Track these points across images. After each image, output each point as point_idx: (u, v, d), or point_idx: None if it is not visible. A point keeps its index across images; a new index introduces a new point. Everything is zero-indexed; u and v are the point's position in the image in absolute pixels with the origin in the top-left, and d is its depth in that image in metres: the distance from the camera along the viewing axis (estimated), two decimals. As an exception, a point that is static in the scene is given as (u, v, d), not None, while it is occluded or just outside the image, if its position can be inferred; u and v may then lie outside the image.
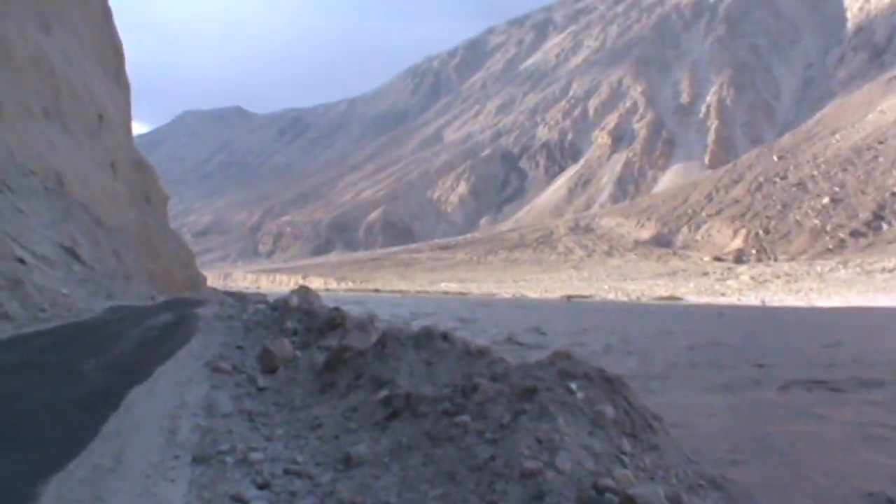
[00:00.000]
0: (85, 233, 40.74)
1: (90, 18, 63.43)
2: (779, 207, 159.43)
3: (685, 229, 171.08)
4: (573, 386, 7.97)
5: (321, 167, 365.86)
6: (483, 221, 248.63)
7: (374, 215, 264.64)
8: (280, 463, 7.93)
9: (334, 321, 16.63)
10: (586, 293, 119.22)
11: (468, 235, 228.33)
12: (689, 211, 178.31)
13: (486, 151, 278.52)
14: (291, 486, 7.40)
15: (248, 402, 10.92)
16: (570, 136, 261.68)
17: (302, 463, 7.97)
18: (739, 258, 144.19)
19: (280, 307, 23.35)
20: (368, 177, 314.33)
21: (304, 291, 29.63)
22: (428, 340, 10.88)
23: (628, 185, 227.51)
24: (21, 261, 23.29)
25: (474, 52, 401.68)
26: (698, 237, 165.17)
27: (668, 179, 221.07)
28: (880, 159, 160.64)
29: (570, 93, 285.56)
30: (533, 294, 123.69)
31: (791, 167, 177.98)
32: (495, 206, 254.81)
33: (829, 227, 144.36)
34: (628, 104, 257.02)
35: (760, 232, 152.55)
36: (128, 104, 71.72)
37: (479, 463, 7.00)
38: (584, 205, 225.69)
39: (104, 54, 66.52)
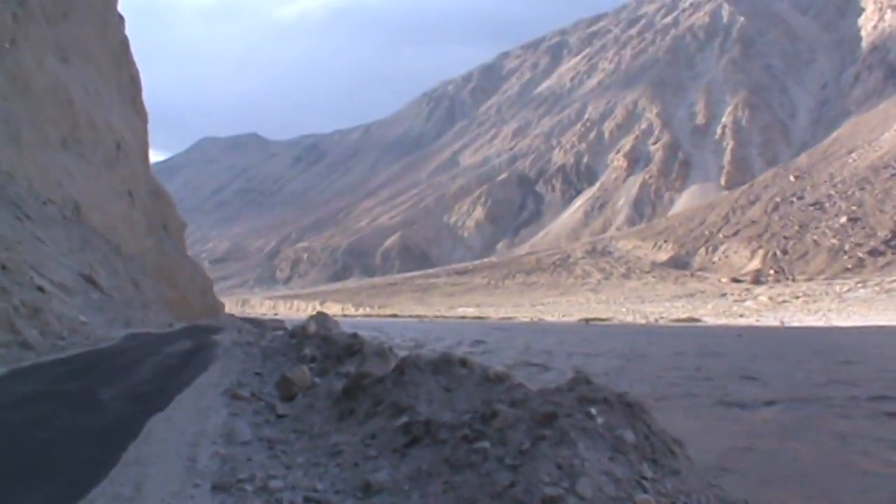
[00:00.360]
0: (103, 261, 40.91)
1: (108, 49, 63.90)
2: (796, 227, 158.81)
3: (702, 251, 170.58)
4: (593, 411, 7.93)
5: (338, 193, 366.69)
6: (500, 245, 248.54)
7: (391, 241, 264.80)
8: (300, 491, 7.91)
9: (352, 347, 16.61)
10: (604, 316, 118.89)
11: (485, 260, 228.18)
12: (706, 232, 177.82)
13: (503, 175, 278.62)
14: (312, 514, 7.38)
15: (267, 430, 10.91)
16: (585, 159, 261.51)
17: (322, 491, 7.95)
18: (757, 279, 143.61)
19: (298, 334, 23.35)
20: (385, 202, 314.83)
21: (321, 318, 29.69)
22: (447, 366, 10.85)
23: (645, 208, 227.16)
24: (40, 289, 23.39)
25: (489, 77, 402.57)
26: (716, 258, 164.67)
27: (684, 201, 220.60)
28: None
29: (586, 116, 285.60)
30: (551, 317, 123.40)
31: (808, 187, 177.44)
32: (512, 230, 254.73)
33: (847, 247, 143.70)
34: (644, 126, 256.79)
35: (778, 252, 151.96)
36: (145, 132, 72.14)
37: (500, 489, 6.96)
38: (601, 228, 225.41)
39: (121, 83, 66.97)
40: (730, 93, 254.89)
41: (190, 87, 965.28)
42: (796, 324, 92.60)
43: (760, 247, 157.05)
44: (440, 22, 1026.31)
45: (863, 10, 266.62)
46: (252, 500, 7.61)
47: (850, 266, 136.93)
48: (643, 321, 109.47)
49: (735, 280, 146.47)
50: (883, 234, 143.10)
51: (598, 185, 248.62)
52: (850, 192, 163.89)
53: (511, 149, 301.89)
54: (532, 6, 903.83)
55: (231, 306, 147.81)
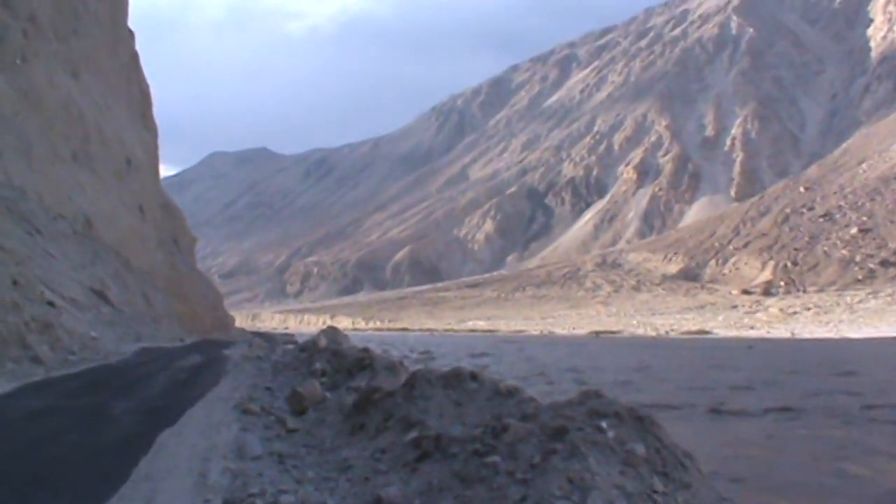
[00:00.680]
0: (114, 275, 40.99)
1: (118, 64, 64.18)
2: (806, 239, 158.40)
3: (713, 263, 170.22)
4: (604, 424, 7.92)
5: (347, 207, 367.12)
6: (510, 259, 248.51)
7: (401, 254, 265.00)
8: (311, 506, 7.90)
9: (363, 362, 16.61)
10: (615, 329, 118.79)
11: (495, 273, 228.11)
12: (717, 244, 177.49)
13: (512, 189, 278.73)
14: (322, 529, 7.37)
15: (277, 445, 10.90)
16: (595, 172, 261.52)
17: (332, 506, 7.94)
18: (768, 291, 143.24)
19: (308, 348, 23.33)
20: (395, 216, 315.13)
21: (332, 332, 29.68)
22: (457, 380, 10.84)
23: (655, 220, 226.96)
24: (51, 304, 23.43)
25: (498, 90, 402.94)
26: (726, 270, 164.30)
27: (694, 213, 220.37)
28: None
29: (595, 128, 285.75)
30: (561, 330, 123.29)
31: (818, 198, 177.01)
32: (522, 244, 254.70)
33: (857, 258, 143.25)
34: (653, 139, 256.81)
35: (788, 264, 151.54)
36: (155, 147, 72.42)
37: (511, 504, 6.95)
38: (611, 240, 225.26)
39: (132, 99, 67.25)
40: (739, 104, 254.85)
41: (200, 102, 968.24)
42: (807, 335, 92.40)
43: (771, 258, 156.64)
44: (449, 36, 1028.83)
45: (872, 20, 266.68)
46: (263, 515, 7.60)
47: (860, 277, 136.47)
48: (654, 334, 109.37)
49: (745, 292, 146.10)
50: (894, 244, 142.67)
51: (607, 197, 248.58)
52: (860, 203, 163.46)
53: (520, 162, 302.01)
54: (541, 19, 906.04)
55: (241, 320, 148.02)
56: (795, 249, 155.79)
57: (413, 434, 9.21)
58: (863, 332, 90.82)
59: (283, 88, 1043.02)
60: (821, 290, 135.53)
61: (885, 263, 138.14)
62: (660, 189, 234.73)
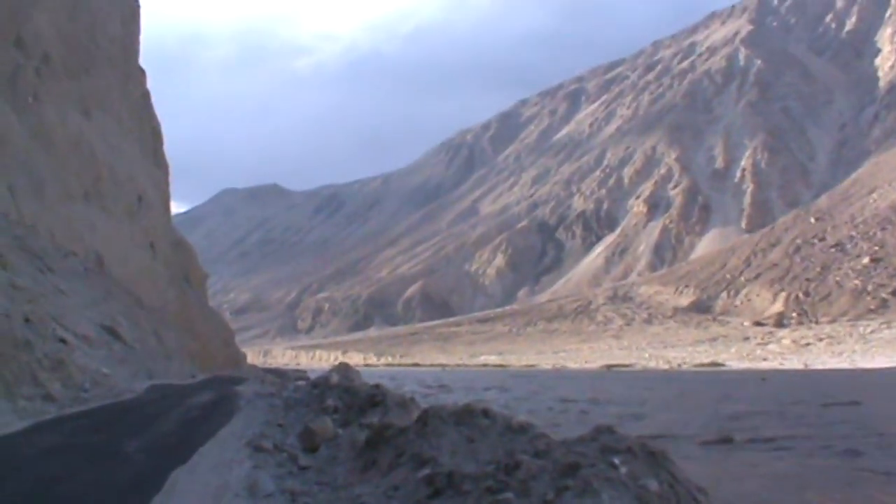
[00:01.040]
0: (125, 312, 41.03)
1: (129, 102, 64.58)
2: (818, 269, 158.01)
3: (724, 295, 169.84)
4: (616, 461, 7.90)
5: (358, 243, 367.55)
6: (521, 293, 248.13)
7: (412, 290, 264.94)
8: (323, 544, 7.89)
9: (375, 398, 16.61)
10: (627, 362, 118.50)
11: (506, 307, 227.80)
12: (728, 276, 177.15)
13: (523, 223, 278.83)
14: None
15: (290, 482, 10.89)
16: (605, 206, 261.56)
17: (345, 543, 7.93)
18: (780, 322, 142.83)
19: (320, 384, 23.34)
20: (405, 251, 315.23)
21: (343, 368, 29.70)
22: (469, 417, 10.84)
23: (665, 253, 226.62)
24: (63, 341, 23.46)
25: (508, 124, 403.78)
26: (738, 302, 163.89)
27: (705, 245, 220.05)
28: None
29: (605, 162, 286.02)
30: (573, 364, 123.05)
31: (829, 228, 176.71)
32: (533, 278, 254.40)
33: (870, 288, 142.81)
34: (663, 171, 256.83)
35: (800, 295, 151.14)
36: (167, 184, 72.67)
37: (524, 540, 6.93)
38: (622, 273, 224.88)
39: (143, 136, 67.61)
40: (748, 136, 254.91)
41: (210, 139, 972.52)
42: (821, 366, 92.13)
43: (783, 289, 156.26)
44: (458, 70, 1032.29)
45: (879, 50, 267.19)
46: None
47: (873, 307, 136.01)
48: (666, 367, 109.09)
49: (758, 323, 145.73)
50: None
51: (618, 230, 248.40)
52: (871, 233, 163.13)
53: (531, 196, 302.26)
54: (549, 53, 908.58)
55: (253, 357, 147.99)
56: (807, 280, 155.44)
57: (426, 471, 9.20)
58: (876, 361, 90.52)
59: (292, 125, 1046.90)
60: (833, 321, 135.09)
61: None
62: (670, 221, 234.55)
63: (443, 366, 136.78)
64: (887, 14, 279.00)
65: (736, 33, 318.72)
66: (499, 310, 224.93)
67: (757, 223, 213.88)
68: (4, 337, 18.41)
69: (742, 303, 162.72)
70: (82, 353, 24.92)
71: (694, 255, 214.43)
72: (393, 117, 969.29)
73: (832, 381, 60.68)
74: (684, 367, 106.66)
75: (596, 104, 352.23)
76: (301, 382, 31.44)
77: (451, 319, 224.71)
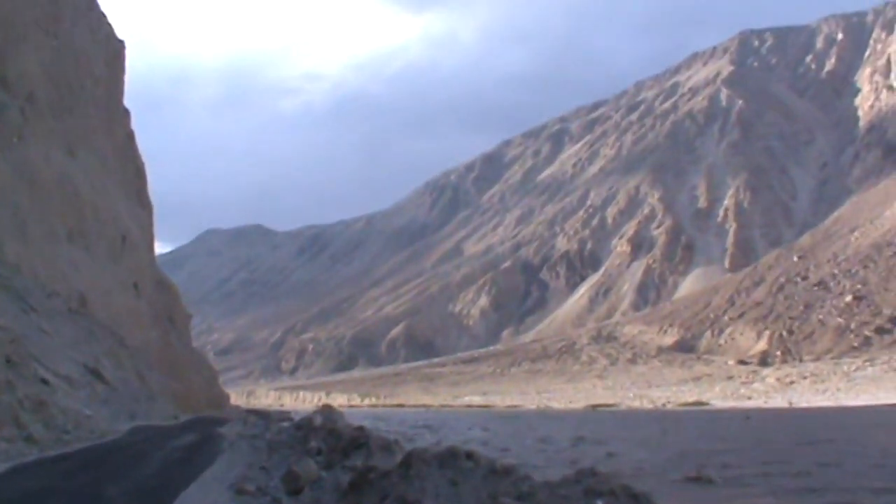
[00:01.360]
0: (108, 353, 40.92)
1: (114, 142, 64.72)
2: (801, 308, 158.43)
3: (708, 334, 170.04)
4: (599, 503, 7.90)
5: (342, 283, 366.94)
6: (505, 333, 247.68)
7: (396, 330, 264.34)
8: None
9: (358, 440, 16.57)
10: (611, 402, 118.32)
11: (491, 348, 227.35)
12: (712, 315, 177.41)
13: (507, 263, 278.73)
14: None
15: (273, 525, 10.84)
16: (589, 246, 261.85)
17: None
18: (764, 360, 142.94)
19: (304, 426, 23.28)
20: (389, 292, 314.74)
21: (327, 410, 29.62)
22: (453, 459, 10.81)
23: (649, 292, 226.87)
24: (45, 382, 23.39)
25: (491, 165, 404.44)
26: (722, 341, 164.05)
27: (688, 284, 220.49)
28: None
29: (588, 202, 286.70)
30: (557, 405, 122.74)
31: (811, 267, 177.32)
32: (517, 318, 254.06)
33: (853, 325, 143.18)
34: (646, 211, 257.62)
35: (784, 333, 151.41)
36: (150, 224, 72.76)
37: (508, 583, 6.91)
38: (606, 313, 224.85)
39: (127, 176, 67.73)
40: (731, 175, 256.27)
41: (195, 179, 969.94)
42: (805, 404, 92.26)
43: (766, 328, 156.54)
44: (442, 111, 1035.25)
45: (859, 90, 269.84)
46: None
47: (856, 345, 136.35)
48: (651, 406, 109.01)
49: (742, 362, 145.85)
50: (888, 311, 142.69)
51: (602, 270, 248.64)
52: (854, 271, 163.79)
53: (515, 237, 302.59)
54: (533, 94, 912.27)
55: (237, 398, 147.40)
56: (791, 318, 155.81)
57: (410, 513, 9.16)
58: (860, 399, 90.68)
59: (276, 165, 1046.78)
60: (817, 359, 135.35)
61: (880, 330, 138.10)
62: (654, 261, 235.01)
63: (427, 406, 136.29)
64: (866, 54, 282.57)
65: (718, 74, 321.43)
66: (483, 350, 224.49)
67: (740, 262, 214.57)
68: (-15, 378, 18.33)
69: (726, 342, 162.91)
70: (64, 394, 24.81)
71: (678, 295, 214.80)
72: (377, 157, 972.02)
73: (815, 420, 60.89)
74: (669, 406, 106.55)
75: (579, 145, 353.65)
76: (285, 424, 31.34)
77: (436, 360, 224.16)
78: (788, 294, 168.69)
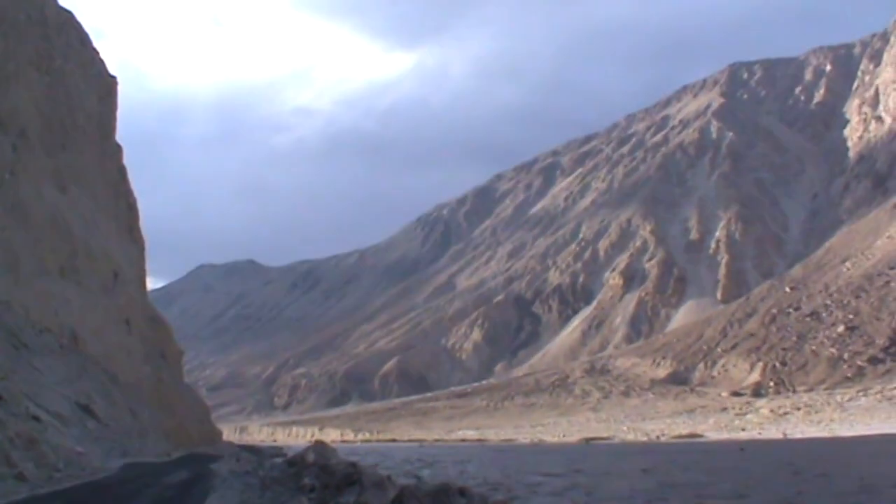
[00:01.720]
0: (100, 390, 40.77)
1: (106, 177, 64.81)
2: (794, 338, 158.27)
3: (701, 366, 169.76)
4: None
5: (334, 318, 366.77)
6: (498, 368, 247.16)
7: (389, 365, 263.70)
8: None
9: (351, 477, 16.50)
10: (605, 435, 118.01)
11: (484, 382, 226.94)
12: (704, 347, 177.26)
13: (499, 297, 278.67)
14: None
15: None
16: (581, 279, 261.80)
17: None
18: (758, 392, 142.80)
19: (297, 463, 23.20)
20: (382, 327, 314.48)
21: (320, 446, 29.53)
22: (445, 497, 10.78)
23: (642, 325, 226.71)
24: (36, 419, 23.26)
25: (483, 199, 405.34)
26: (715, 373, 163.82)
27: (681, 317, 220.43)
28: (892, 284, 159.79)
29: (580, 235, 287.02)
30: (551, 438, 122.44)
31: (804, 297, 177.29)
32: (510, 352, 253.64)
33: (846, 356, 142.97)
34: (638, 244, 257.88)
35: (777, 364, 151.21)
36: (142, 260, 72.75)
37: None
38: (599, 346, 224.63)
39: (119, 211, 67.77)
40: (722, 207, 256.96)
41: (187, 215, 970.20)
42: (799, 435, 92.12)
43: (759, 359, 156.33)
44: (434, 146, 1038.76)
45: (848, 121, 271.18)
46: None
47: (850, 375, 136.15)
48: (644, 439, 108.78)
49: (735, 394, 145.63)
50: (881, 341, 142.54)
51: (594, 303, 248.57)
52: (846, 301, 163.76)
53: (507, 270, 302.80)
54: (524, 128, 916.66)
55: (229, 433, 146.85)
56: (783, 349, 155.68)
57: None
58: (855, 429, 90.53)
59: (269, 201, 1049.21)
60: (810, 390, 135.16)
61: (873, 360, 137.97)
62: (646, 294, 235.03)
63: (420, 441, 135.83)
64: (854, 86, 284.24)
65: (708, 106, 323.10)
66: (476, 384, 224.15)
67: (732, 294, 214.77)
68: (-24, 416, 18.22)
69: (719, 373, 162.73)
70: (56, 432, 24.67)
71: (670, 327, 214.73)
72: (369, 192, 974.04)
73: (807, 451, 60.96)
74: (663, 438, 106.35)
75: (571, 178, 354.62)
76: (277, 460, 31.24)
77: (429, 395, 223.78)
78: (781, 325, 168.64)
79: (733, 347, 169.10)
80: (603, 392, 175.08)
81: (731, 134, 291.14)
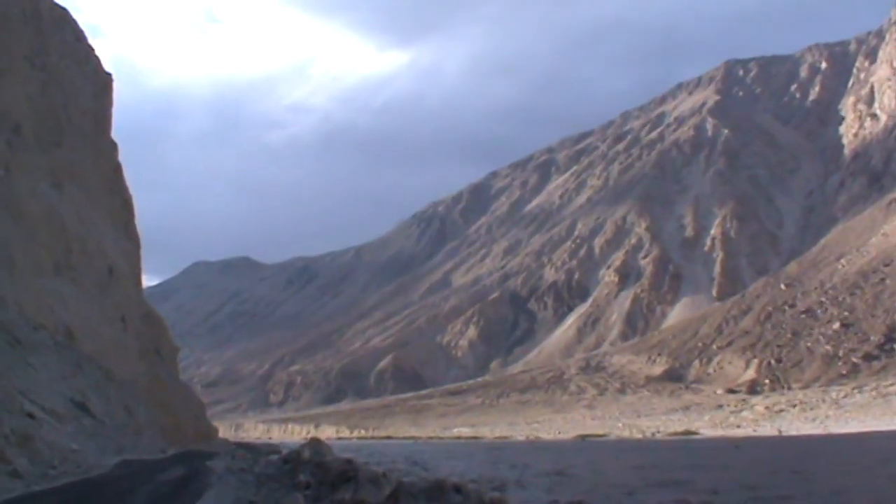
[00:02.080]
0: (95, 386, 40.71)
1: (101, 175, 64.67)
2: (789, 336, 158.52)
3: (696, 363, 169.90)
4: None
5: (330, 315, 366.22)
6: (493, 365, 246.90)
7: (385, 362, 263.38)
8: None
9: (347, 474, 16.46)
10: (600, 432, 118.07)
11: (479, 379, 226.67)
12: (700, 344, 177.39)
13: (494, 294, 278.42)
14: None
15: (261, 559, 10.75)
16: (577, 276, 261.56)
17: None
18: (753, 389, 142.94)
19: (292, 460, 23.17)
20: (377, 324, 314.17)
21: (315, 443, 29.44)
22: (440, 493, 10.78)
23: (637, 322, 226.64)
24: (31, 416, 23.21)
25: (479, 196, 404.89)
26: (710, 370, 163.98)
27: (676, 314, 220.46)
28: (887, 281, 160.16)
29: (576, 232, 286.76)
30: (546, 435, 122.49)
31: (799, 294, 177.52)
32: (505, 349, 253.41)
33: (841, 353, 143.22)
34: (633, 241, 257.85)
35: (772, 361, 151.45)
36: (138, 257, 72.61)
37: None
38: (594, 343, 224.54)
39: (114, 209, 67.65)
40: (717, 204, 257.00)
41: (182, 212, 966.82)
42: (794, 432, 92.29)
43: (755, 356, 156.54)
44: (429, 143, 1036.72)
45: (843, 118, 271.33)
46: None
47: (845, 372, 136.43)
48: (639, 436, 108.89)
49: (731, 391, 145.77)
50: (876, 338, 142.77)
51: (590, 300, 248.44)
52: (841, 298, 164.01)
53: (502, 268, 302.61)
54: (519, 125, 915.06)
55: (224, 431, 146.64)
56: (779, 347, 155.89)
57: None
58: (849, 426, 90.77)
59: (264, 197, 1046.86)
60: (806, 387, 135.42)
61: (868, 357, 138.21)
62: (641, 291, 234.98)
63: (415, 438, 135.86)
64: (849, 83, 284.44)
65: (703, 103, 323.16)
66: (471, 381, 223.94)
67: (727, 291, 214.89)
68: (-29, 413, 18.18)
69: (714, 370, 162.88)
70: (51, 428, 24.62)
71: (666, 324, 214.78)
72: (365, 189, 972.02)
73: (802, 448, 61.03)
74: (658, 436, 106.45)
75: (566, 175, 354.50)
76: (273, 457, 31.18)
77: (424, 392, 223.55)
78: (776, 322, 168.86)
79: (728, 344, 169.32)
80: (598, 389, 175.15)
81: (726, 131, 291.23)
